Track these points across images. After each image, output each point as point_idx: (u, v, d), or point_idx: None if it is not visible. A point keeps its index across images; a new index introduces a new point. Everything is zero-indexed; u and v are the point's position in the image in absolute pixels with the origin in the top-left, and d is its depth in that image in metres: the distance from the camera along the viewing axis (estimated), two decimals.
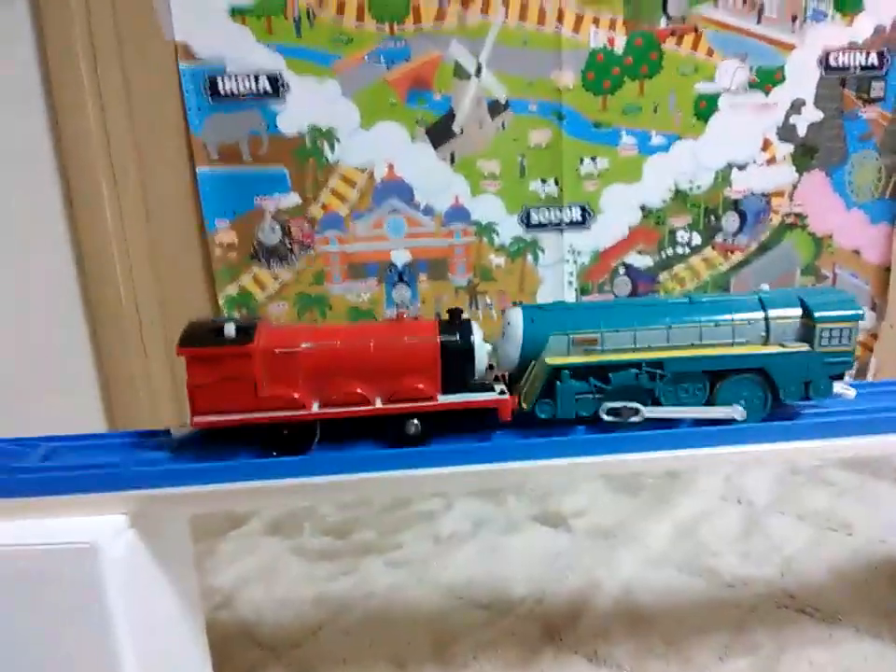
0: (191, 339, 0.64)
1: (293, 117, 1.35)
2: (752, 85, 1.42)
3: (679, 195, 1.44)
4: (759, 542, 1.09)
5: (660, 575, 1.03)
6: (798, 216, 1.47)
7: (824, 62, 1.42)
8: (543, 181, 1.42)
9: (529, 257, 1.45)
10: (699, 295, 0.72)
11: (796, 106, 1.43)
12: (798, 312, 0.70)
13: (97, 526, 0.60)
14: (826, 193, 1.47)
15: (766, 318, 0.70)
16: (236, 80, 1.33)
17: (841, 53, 1.42)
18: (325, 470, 0.66)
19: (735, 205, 1.46)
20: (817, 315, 0.69)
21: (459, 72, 1.37)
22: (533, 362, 0.69)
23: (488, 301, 1.46)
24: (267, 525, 1.24)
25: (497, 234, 1.44)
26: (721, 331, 0.69)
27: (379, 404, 0.66)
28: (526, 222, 1.44)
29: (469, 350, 0.67)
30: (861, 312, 0.69)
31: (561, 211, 1.43)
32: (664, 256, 1.47)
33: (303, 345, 0.65)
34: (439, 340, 0.67)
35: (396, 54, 1.35)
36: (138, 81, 1.32)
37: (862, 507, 1.17)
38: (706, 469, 1.29)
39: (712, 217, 1.46)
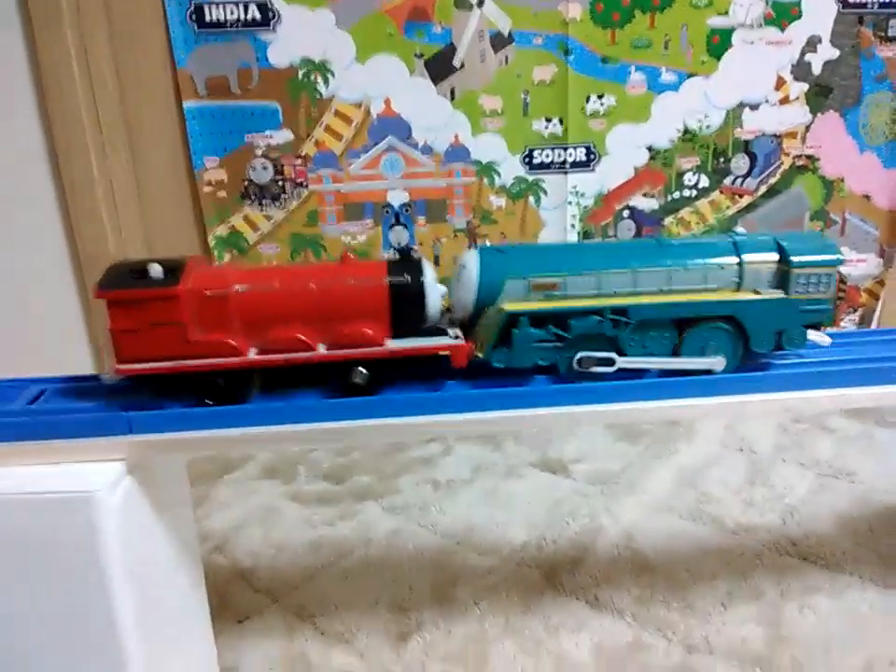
0: (111, 281, 0.59)
1: (285, 48, 1.28)
2: (768, 20, 1.35)
3: (688, 135, 1.39)
4: (762, 490, 1.08)
5: (662, 522, 1.02)
6: (810, 158, 1.42)
7: None
8: (547, 119, 1.36)
9: (531, 198, 1.41)
10: (668, 238, 0.68)
11: (812, 43, 1.37)
12: (774, 256, 0.65)
13: (94, 474, 0.57)
14: (839, 135, 1.42)
15: (740, 263, 0.65)
16: (224, 8, 1.25)
17: None
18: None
19: (746, 147, 1.40)
20: (793, 259, 0.64)
21: (460, 2, 1.29)
22: (488, 308, 0.64)
23: (488, 244, 1.42)
24: (262, 469, 1.22)
25: (499, 175, 1.39)
26: (691, 276, 0.64)
27: (323, 351, 0.62)
28: (529, 162, 1.38)
29: (419, 292, 0.62)
30: (840, 257, 0.65)
31: (565, 151, 1.38)
32: (670, 198, 1.42)
33: (237, 287, 0.60)
34: (387, 281, 0.62)
35: None
36: (120, 10, 1.25)
37: (866, 455, 1.16)
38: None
39: (721, 159, 1.41)
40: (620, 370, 0.65)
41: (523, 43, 1.32)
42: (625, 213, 1.42)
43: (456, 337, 0.64)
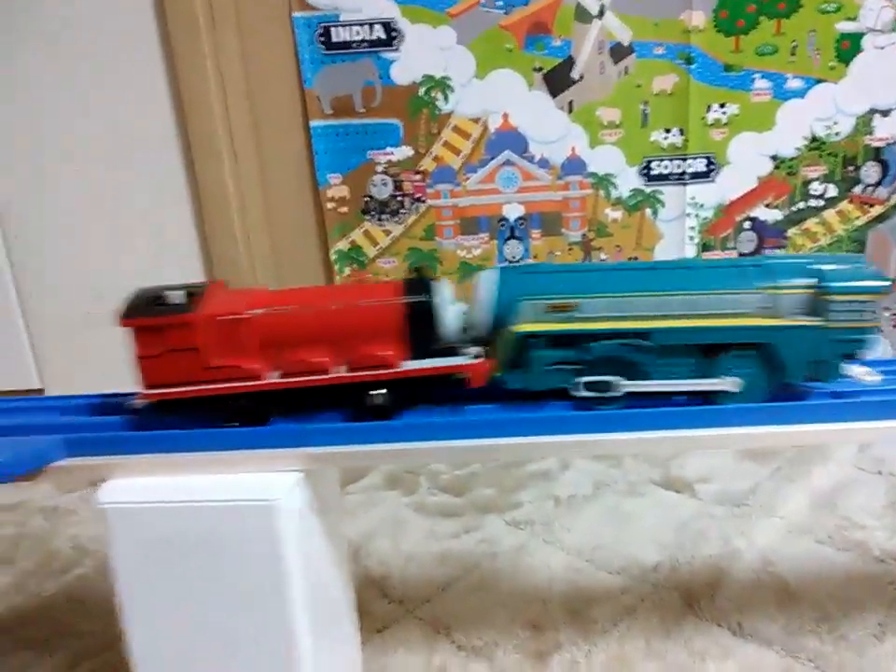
0: (134, 309, 0.61)
1: (407, 66, 1.31)
2: None
3: (815, 143, 1.34)
4: None
5: (801, 547, 0.98)
6: None
7: None
8: (667, 130, 1.34)
9: (648, 210, 1.39)
10: (696, 260, 0.65)
11: None
12: (811, 281, 0.61)
13: (274, 483, 0.60)
14: None
15: (774, 287, 0.61)
16: (350, 30, 1.29)
17: None
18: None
19: (877, 154, 1.35)
20: (832, 285, 0.60)
21: (581, 14, 1.29)
22: (506, 328, 0.63)
23: (603, 257, 1.41)
24: (385, 479, 1.25)
25: (615, 187, 1.37)
26: (720, 301, 0.61)
27: (338, 372, 0.62)
28: (647, 174, 1.37)
29: (431, 311, 0.62)
30: (886, 284, 0.60)
31: (684, 162, 1.36)
32: (794, 209, 1.37)
33: (252, 312, 0.61)
34: (401, 301, 0.62)
35: None
36: (252, 33, 1.30)
37: None
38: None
39: (850, 167, 1.35)
40: (632, 395, 0.62)
41: (643, 53, 1.31)
42: (746, 224, 1.39)
43: (476, 356, 0.63)
